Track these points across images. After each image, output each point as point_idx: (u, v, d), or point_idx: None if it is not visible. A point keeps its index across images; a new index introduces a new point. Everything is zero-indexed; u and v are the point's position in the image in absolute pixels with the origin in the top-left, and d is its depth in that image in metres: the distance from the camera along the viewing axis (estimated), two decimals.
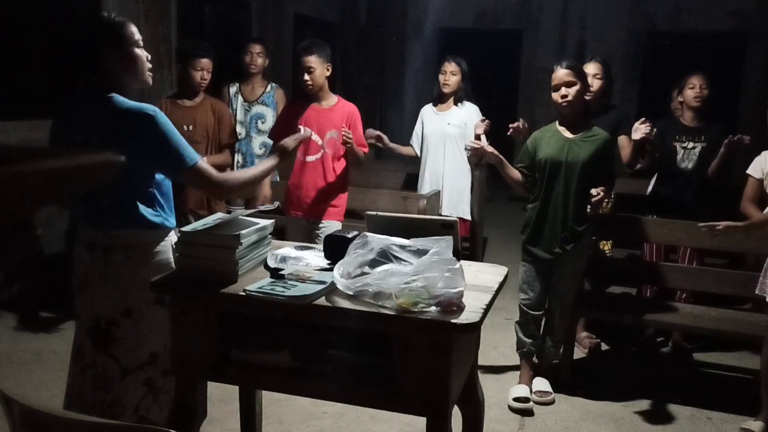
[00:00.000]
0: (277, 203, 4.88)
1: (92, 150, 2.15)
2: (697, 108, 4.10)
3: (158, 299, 2.31)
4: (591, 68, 3.96)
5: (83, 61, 2.27)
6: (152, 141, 2.20)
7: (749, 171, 3.59)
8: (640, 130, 3.83)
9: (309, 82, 3.65)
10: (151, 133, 2.20)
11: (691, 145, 4.09)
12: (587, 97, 3.87)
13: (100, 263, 2.29)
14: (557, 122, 3.39)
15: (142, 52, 2.31)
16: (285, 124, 3.77)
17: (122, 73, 2.27)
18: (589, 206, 3.28)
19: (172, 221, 2.38)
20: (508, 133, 3.69)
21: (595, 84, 3.92)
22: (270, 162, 2.60)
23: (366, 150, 3.79)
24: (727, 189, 4.11)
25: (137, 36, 2.30)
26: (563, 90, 3.25)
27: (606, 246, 4.36)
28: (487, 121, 4.47)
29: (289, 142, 2.66)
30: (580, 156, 3.26)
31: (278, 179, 4.90)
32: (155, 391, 2.35)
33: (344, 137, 3.57)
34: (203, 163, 2.30)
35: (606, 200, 3.98)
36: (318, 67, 3.61)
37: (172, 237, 2.39)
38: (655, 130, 3.96)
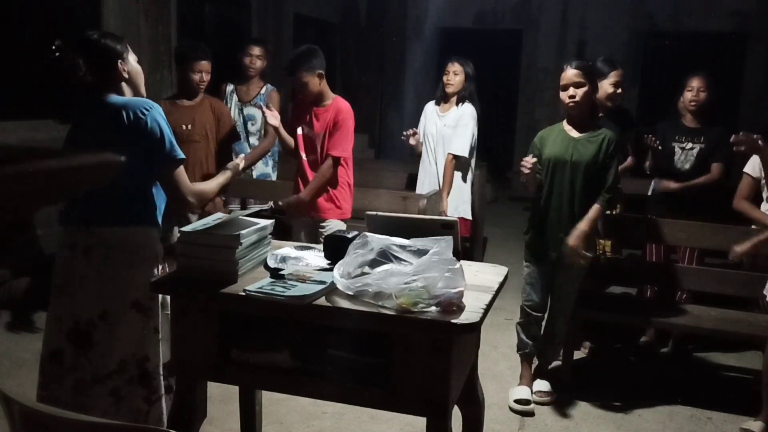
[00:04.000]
0: (270, 203, 4.88)
1: (95, 147, 2.21)
2: (694, 110, 4.10)
3: (135, 304, 2.30)
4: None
5: (97, 74, 2.35)
6: (148, 131, 2.27)
7: (746, 169, 3.62)
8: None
9: (306, 97, 3.69)
10: (149, 122, 2.27)
11: (689, 145, 4.10)
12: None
13: (80, 263, 2.29)
14: (564, 121, 3.38)
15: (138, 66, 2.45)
16: (291, 125, 3.80)
17: (126, 83, 2.39)
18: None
19: (157, 220, 2.39)
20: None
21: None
22: (223, 177, 2.72)
23: (335, 153, 3.64)
24: (725, 190, 4.12)
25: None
26: (571, 90, 3.23)
27: (606, 246, 4.35)
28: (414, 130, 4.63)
29: (238, 162, 2.93)
30: (584, 156, 3.25)
31: (274, 179, 4.91)
32: (119, 401, 2.33)
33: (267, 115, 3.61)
34: (182, 171, 2.37)
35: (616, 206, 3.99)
36: (310, 80, 3.62)
37: (154, 239, 2.40)
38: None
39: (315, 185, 3.65)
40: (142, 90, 2.45)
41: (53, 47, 2.26)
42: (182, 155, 2.38)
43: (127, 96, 2.39)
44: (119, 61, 2.35)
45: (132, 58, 2.41)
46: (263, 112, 3.74)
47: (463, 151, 4.58)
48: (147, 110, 2.28)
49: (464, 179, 4.77)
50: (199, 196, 2.46)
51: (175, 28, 5.97)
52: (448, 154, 4.59)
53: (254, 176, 4.88)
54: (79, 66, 2.31)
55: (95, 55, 2.34)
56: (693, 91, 4.08)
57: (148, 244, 2.35)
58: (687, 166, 4.11)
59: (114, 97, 2.34)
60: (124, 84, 2.39)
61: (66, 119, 2.48)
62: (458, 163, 4.65)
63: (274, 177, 4.96)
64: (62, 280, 2.34)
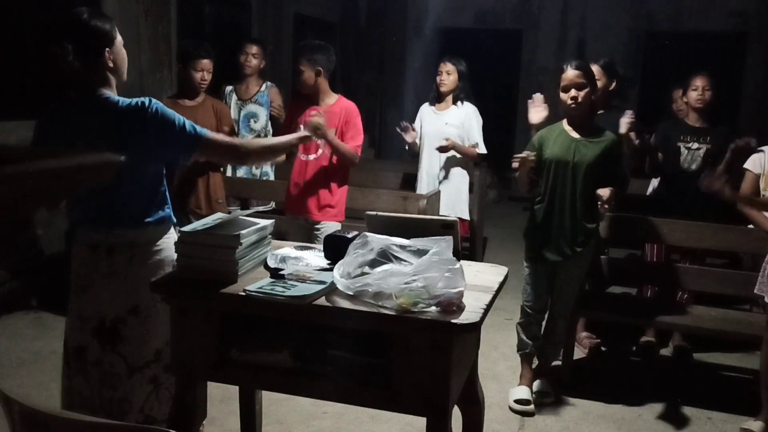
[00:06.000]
0: (272, 204, 4.88)
1: (99, 149, 2.17)
2: (700, 109, 4.08)
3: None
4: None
5: (85, 60, 2.26)
6: (160, 126, 2.23)
7: (747, 165, 3.61)
8: (624, 121, 3.69)
9: (300, 87, 3.73)
10: (156, 118, 2.23)
11: (695, 146, 4.07)
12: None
13: (104, 263, 2.30)
14: (564, 121, 3.37)
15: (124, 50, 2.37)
16: (288, 125, 3.79)
17: (112, 72, 2.30)
18: (602, 205, 3.21)
19: (172, 217, 2.41)
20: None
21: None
22: (292, 137, 2.74)
23: (356, 145, 3.70)
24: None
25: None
26: (573, 92, 3.22)
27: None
28: (449, 140, 4.50)
29: (314, 121, 3.00)
30: (587, 156, 3.25)
31: (273, 178, 4.91)
32: (158, 388, 2.36)
33: (313, 120, 3.34)
34: (212, 133, 2.35)
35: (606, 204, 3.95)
36: (306, 70, 3.63)
37: (173, 234, 2.41)
38: (632, 119, 3.76)
39: (342, 146, 3.62)
40: (124, 76, 2.36)
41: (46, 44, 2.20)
42: (204, 130, 2.32)
43: (113, 83, 2.31)
44: (107, 49, 2.25)
45: (119, 42, 2.31)
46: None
47: (484, 149, 4.69)
48: (148, 104, 2.22)
49: (462, 179, 4.78)
50: (253, 147, 2.48)
51: (175, 28, 5.97)
52: (477, 152, 4.66)
53: (258, 176, 4.88)
54: (67, 51, 2.20)
55: (84, 38, 2.23)
56: (698, 90, 4.06)
57: (169, 238, 2.37)
58: (693, 166, 4.08)
59: (112, 101, 2.26)
60: (112, 73, 2.30)
61: (45, 112, 2.35)
62: (462, 162, 4.69)
63: (272, 176, 4.97)
64: (84, 280, 2.34)
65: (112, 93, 2.29)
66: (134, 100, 2.26)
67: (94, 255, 2.31)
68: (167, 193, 2.39)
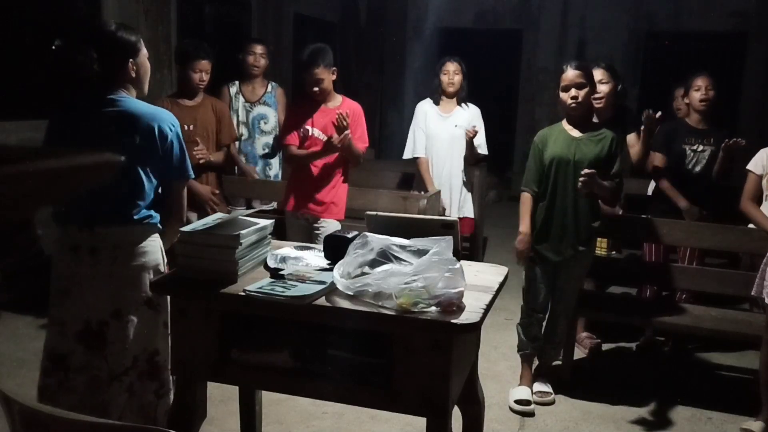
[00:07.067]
0: (274, 203, 4.86)
1: (104, 146, 2.23)
2: (703, 110, 4.06)
3: (147, 301, 2.32)
4: (596, 74, 3.87)
5: (108, 69, 2.34)
6: (169, 147, 2.31)
7: (749, 167, 3.60)
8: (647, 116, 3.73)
9: (319, 94, 3.66)
10: (173, 140, 2.32)
11: (700, 147, 4.06)
12: (598, 105, 3.76)
13: (86, 265, 2.29)
14: (564, 121, 3.38)
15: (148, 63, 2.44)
16: (293, 126, 3.78)
17: (133, 82, 2.37)
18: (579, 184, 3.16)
19: (157, 218, 2.42)
20: None
21: (602, 89, 3.77)
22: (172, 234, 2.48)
23: (365, 146, 3.76)
24: (731, 189, 4.10)
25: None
26: (573, 91, 3.22)
27: (602, 245, 4.33)
28: (475, 127, 4.51)
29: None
30: (587, 154, 3.25)
31: (279, 179, 4.90)
32: (132, 396, 2.36)
33: (339, 119, 3.47)
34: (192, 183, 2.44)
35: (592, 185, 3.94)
36: (326, 77, 3.62)
37: (158, 237, 2.42)
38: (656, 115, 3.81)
39: (356, 149, 3.64)
40: (146, 88, 2.44)
41: (53, 47, 2.27)
42: (192, 173, 2.46)
43: (132, 93, 2.38)
44: (130, 60, 2.33)
45: (143, 54, 2.40)
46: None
47: (486, 150, 4.72)
48: (172, 127, 2.34)
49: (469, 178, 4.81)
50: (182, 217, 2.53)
51: (175, 28, 5.97)
52: (481, 154, 4.69)
53: (271, 177, 4.86)
54: (92, 59, 2.29)
55: (109, 48, 2.32)
56: (701, 90, 4.03)
57: (153, 241, 2.37)
58: (698, 168, 4.07)
59: (132, 101, 2.34)
60: (134, 82, 2.38)
61: (55, 112, 2.44)
62: (463, 162, 4.69)
63: (280, 177, 4.95)
64: (66, 283, 2.33)
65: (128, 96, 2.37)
66: (160, 110, 2.36)
67: (77, 256, 2.30)
68: (154, 198, 2.40)
